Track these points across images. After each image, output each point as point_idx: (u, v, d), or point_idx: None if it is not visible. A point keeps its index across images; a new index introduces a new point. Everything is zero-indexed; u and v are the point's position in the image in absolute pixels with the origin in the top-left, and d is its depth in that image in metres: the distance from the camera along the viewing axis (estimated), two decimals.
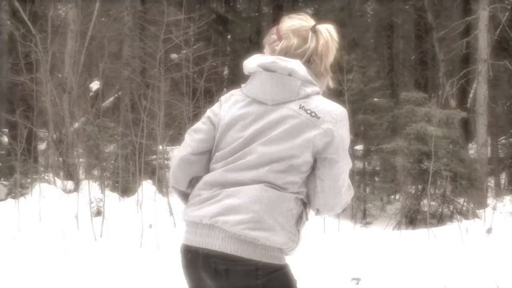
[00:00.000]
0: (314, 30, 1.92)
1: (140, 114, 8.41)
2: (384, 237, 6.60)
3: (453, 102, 11.78)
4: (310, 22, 1.95)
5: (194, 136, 1.99)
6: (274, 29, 1.98)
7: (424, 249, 5.81)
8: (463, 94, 13.87)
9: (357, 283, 4.92)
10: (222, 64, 16.37)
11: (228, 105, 1.95)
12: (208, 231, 1.83)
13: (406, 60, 18.79)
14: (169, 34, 11.06)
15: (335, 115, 1.85)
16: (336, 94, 9.42)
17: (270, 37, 1.98)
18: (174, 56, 12.98)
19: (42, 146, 13.30)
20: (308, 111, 1.84)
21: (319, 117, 1.84)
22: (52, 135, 10.97)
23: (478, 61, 10.53)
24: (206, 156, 1.97)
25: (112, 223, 6.73)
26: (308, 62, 1.92)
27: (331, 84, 2.01)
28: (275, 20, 18.07)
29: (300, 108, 1.84)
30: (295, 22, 1.94)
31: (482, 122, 9.91)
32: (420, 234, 6.58)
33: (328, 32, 1.94)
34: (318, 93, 1.90)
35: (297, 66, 1.88)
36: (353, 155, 10.20)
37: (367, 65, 10.96)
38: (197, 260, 1.85)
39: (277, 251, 1.82)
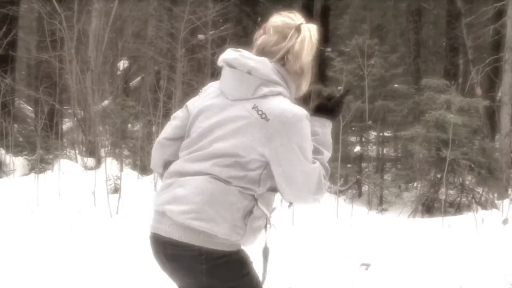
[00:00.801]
0: (298, 28, 1.92)
1: (160, 94, 8.49)
2: (398, 224, 6.55)
3: (479, 90, 11.52)
4: (297, 20, 1.94)
5: (172, 122, 2.12)
6: (264, 25, 2.00)
7: (437, 237, 5.75)
8: (492, 82, 13.55)
9: (366, 269, 4.91)
10: (250, 46, 16.30)
11: (204, 95, 2.03)
12: (160, 217, 1.93)
13: (437, 46, 18.37)
14: (194, 15, 11.06)
15: (285, 119, 1.83)
16: (357, 79, 9.34)
17: (258, 32, 2.01)
18: (201, 37, 12.95)
19: (70, 123, 13.52)
20: (260, 112, 1.84)
21: (268, 120, 1.84)
22: (75, 113, 11.15)
23: (505, 49, 10.27)
24: (179, 142, 2.05)
25: (129, 201, 6.83)
26: (283, 60, 1.92)
27: (306, 86, 2.00)
28: (305, 3, 17.93)
29: (253, 108, 1.85)
30: (280, 19, 1.95)
31: (506, 112, 9.67)
32: (435, 222, 6.51)
33: (309, 31, 1.93)
34: (278, 94, 1.89)
35: (260, 64, 1.89)
36: (376, 142, 10.11)
37: (390, 51, 10.78)
38: (156, 245, 1.96)
39: (221, 238, 1.85)
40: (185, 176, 1.90)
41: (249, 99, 1.87)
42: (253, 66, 1.88)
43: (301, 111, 1.87)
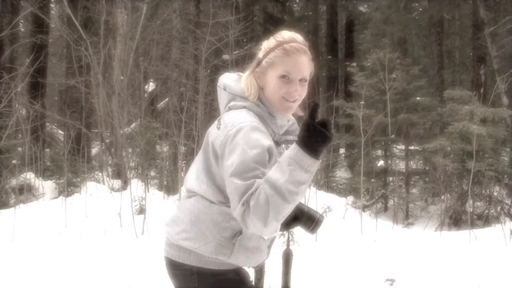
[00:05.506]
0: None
1: (184, 115, 8.60)
2: (424, 238, 6.46)
3: (505, 100, 11.33)
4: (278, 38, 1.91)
5: None
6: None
7: (463, 251, 5.66)
8: None
9: (391, 284, 4.86)
10: None
11: None
12: (166, 239, 2.02)
13: (464, 57, 18.15)
14: (216, 36, 11.21)
15: (229, 130, 1.74)
16: (378, 93, 9.31)
17: None
18: (226, 57, 13.10)
19: (98, 147, 13.76)
20: (218, 124, 1.84)
21: (219, 129, 1.82)
22: (102, 136, 11.35)
23: None
24: None
25: (154, 221, 6.90)
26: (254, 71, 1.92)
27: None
28: (329, 19, 17.86)
29: (218, 120, 1.88)
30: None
31: None
32: (461, 235, 6.40)
33: (273, 37, 1.92)
34: (242, 108, 1.85)
35: (232, 81, 1.93)
36: (402, 155, 9.99)
37: (412, 63, 10.71)
38: (165, 265, 2.05)
39: (210, 257, 1.87)
40: (184, 198, 1.99)
41: (223, 113, 1.91)
42: (224, 83, 1.94)
43: (245, 124, 1.73)
